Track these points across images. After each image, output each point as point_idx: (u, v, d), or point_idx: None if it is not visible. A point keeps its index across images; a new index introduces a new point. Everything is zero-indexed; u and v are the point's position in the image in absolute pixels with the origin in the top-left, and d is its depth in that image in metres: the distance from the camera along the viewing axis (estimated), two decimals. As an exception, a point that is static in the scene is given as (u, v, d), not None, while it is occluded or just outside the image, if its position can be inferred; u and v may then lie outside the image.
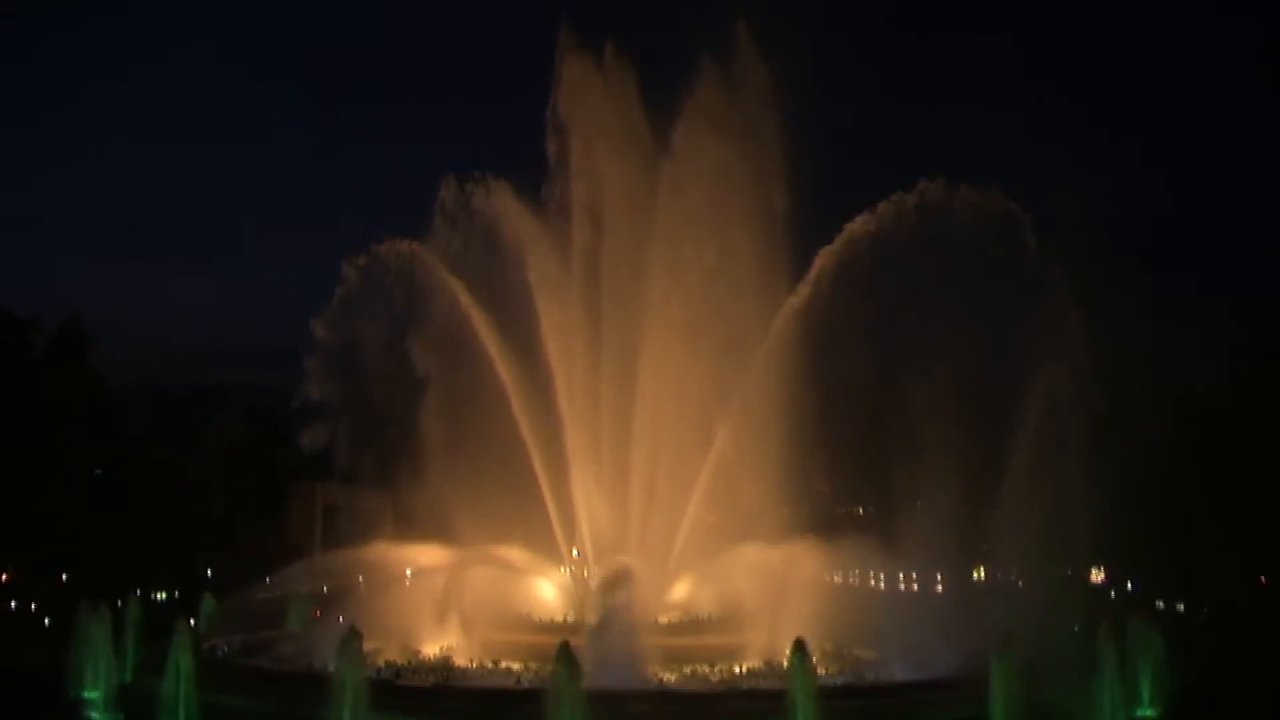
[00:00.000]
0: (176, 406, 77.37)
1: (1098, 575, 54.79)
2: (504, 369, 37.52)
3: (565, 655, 23.23)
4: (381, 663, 30.19)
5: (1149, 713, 28.65)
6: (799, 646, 24.47)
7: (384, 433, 40.07)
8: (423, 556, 36.61)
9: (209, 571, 50.89)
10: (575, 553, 38.23)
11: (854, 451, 37.02)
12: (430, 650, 32.83)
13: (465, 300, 37.87)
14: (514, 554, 36.57)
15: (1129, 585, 51.81)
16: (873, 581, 42.00)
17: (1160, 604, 48.01)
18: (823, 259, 35.74)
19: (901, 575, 41.97)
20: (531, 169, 39.63)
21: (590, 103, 38.80)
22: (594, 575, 36.31)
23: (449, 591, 33.93)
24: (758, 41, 37.51)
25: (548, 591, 37.23)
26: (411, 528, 38.72)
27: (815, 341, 35.60)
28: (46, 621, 45.57)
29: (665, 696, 27.75)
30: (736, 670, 31.27)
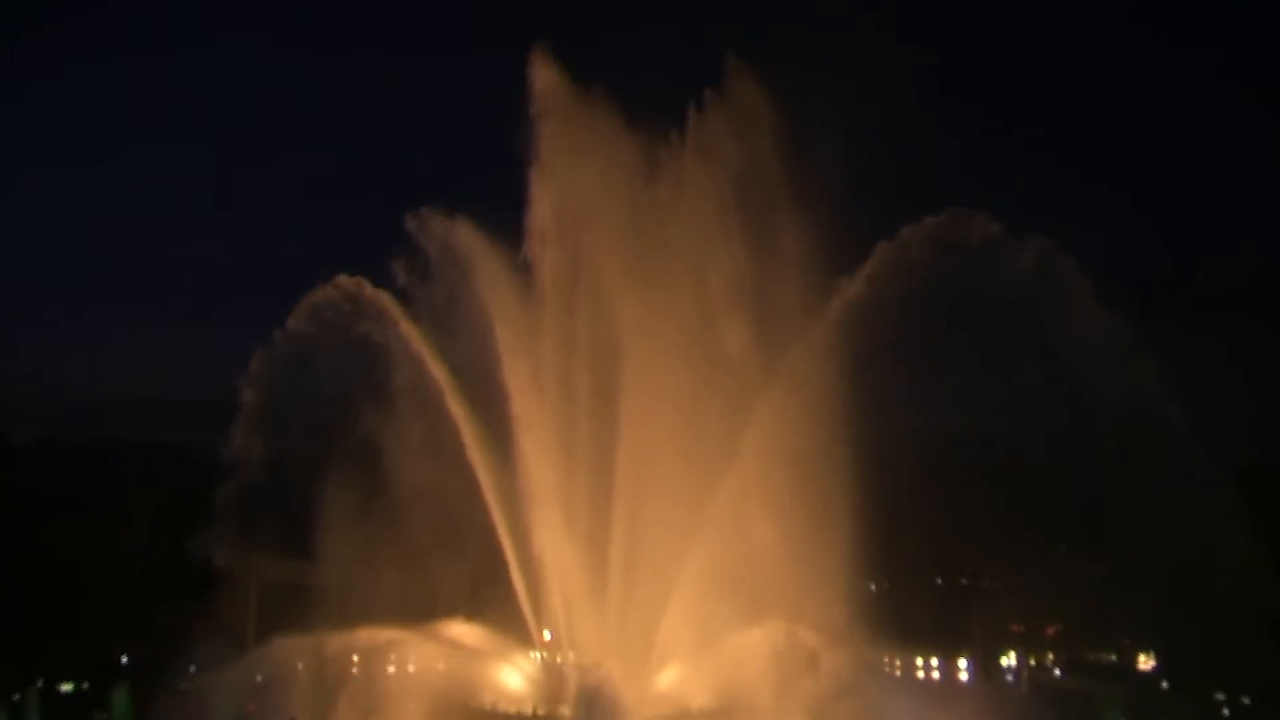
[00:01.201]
0: (91, 468, 77.12)
1: (1147, 662, 54.74)
2: (465, 427, 37.96)
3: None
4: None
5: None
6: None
7: (328, 500, 40.11)
8: (374, 639, 36.66)
9: (125, 658, 50.48)
10: (547, 635, 38.31)
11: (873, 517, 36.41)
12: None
13: (422, 348, 38.43)
14: (471, 634, 36.80)
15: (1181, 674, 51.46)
16: (887, 668, 41.84)
17: (1221, 696, 47.68)
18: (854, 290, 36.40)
19: (920, 662, 41.87)
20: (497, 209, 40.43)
21: (567, 136, 39.53)
22: (568, 661, 36.42)
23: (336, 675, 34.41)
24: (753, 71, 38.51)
25: (514, 679, 37.26)
26: (360, 606, 38.39)
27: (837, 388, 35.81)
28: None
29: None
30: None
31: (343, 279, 38.72)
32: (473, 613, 38.83)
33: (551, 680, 36.79)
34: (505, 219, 39.73)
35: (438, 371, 38.27)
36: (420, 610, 37.84)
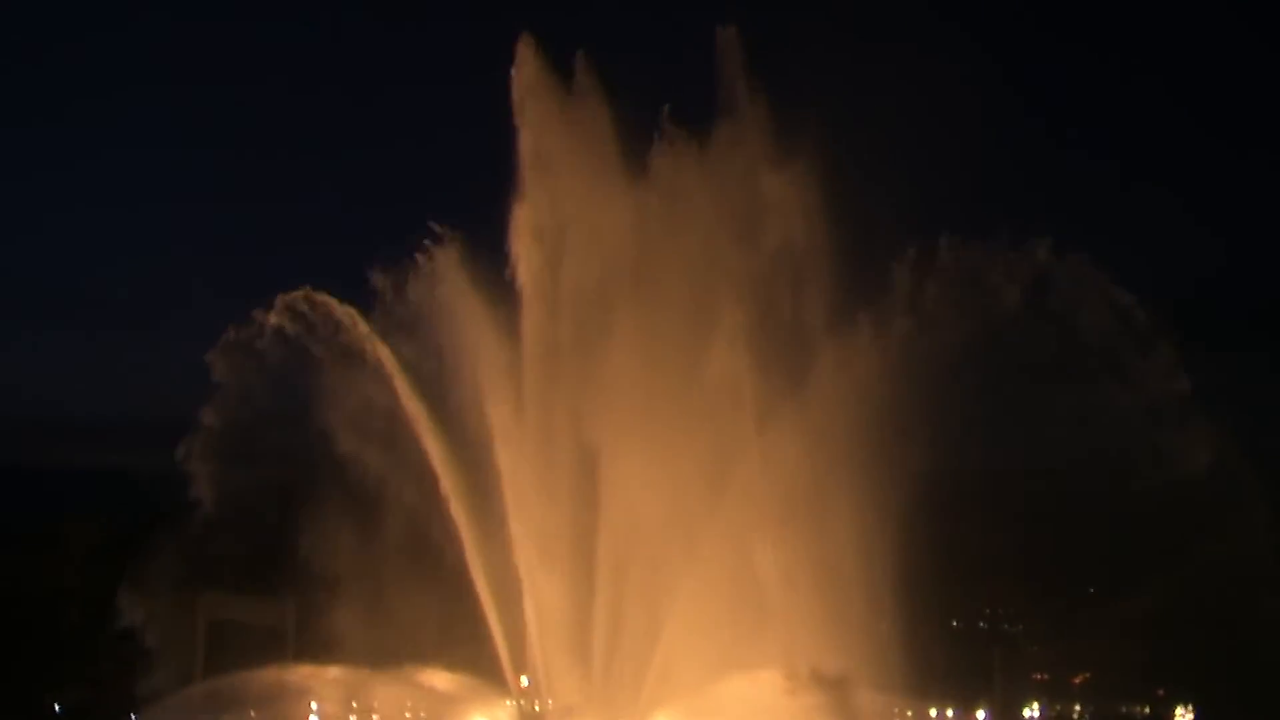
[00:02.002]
0: (29, 497, 76.96)
1: (1184, 716, 54.57)
2: (439, 463, 37.93)
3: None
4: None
5: None
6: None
7: (286, 532, 40.34)
8: (335, 679, 36.95)
9: (56, 706, 50.29)
10: (524, 680, 38.30)
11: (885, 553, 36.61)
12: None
13: (389, 365, 38.37)
14: (440, 679, 36.78)
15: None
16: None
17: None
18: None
19: (934, 713, 41.93)
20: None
21: (553, 140, 39.54)
22: (546, 709, 36.56)
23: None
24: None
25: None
26: (321, 647, 38.91)
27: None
28: None
29: None
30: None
31: (312, 293, 38.55)
32: (443, 655, 38.73)
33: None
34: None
35: (411, 405, 38.18)
36: (386, 650, 37.71)
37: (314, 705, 37.79)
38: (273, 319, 37.48)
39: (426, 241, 39.06)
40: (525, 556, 37.35)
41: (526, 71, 39.34)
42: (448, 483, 37.57)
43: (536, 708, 37.90)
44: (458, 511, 37.52)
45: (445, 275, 39.03)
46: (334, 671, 37.05)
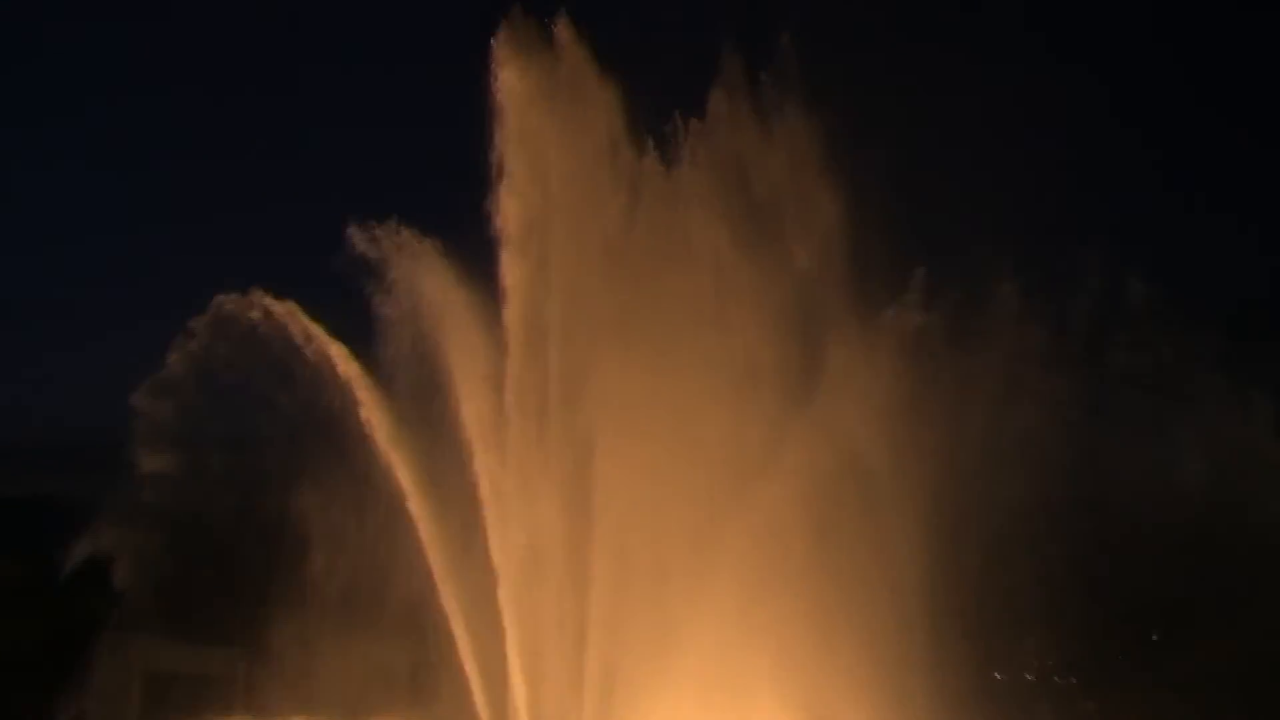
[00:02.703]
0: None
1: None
2: (404, 477, 36.79)
3: None
4: None
5: None
6: None
7: (233, 567, 40.61)
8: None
9: None
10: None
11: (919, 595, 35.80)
12: None
13: (356, 383, 37.26)
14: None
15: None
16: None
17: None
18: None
19: None
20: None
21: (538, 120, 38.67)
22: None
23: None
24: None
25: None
26: (274, 699, 38.35)
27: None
28: None
29: None
30: None
31: (261, 297, 37.36)
32: (416, 707, 37.97)
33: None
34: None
35: (384, 439, 37.13)
36: (351, 703, 37.09)
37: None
38: (205, 326, 36.40)
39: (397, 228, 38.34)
40: (508, 582, 36.50)
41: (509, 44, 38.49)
42: (425, 530, 36.57)
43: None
44: (428, 536, 36.63)
45: (414, 259, 38.32)
46: (291, 724, 35.97)
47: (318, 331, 37.36)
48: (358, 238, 38.01)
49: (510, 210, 37.99)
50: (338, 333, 37.78)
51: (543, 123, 38.50)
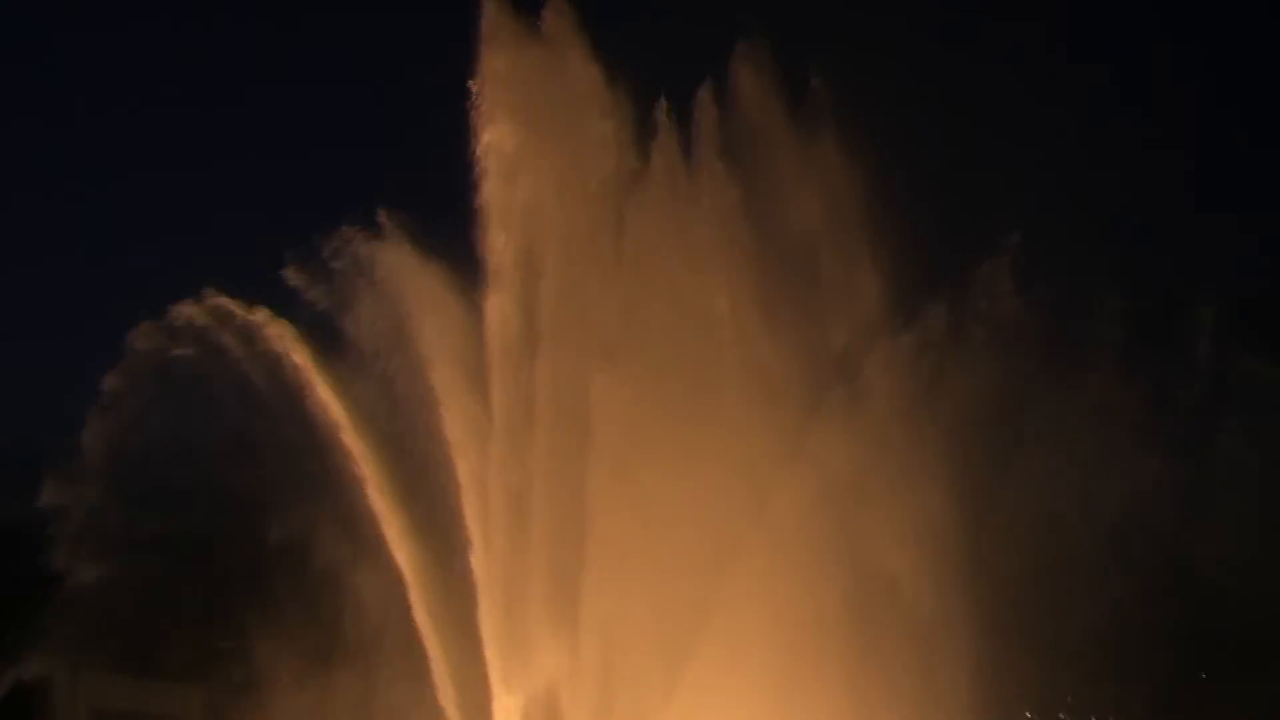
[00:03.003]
0: None
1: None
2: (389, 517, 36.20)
3: None
4: None
5: None
6: None
7: (188, 600, 40.24)
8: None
9: None
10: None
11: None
12: None
13: (334, 409, 36.37)
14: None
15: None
16: None
17: None
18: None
19: None
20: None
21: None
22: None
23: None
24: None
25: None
26: None
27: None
28: None
29: None
30: None
31: (216, 298, 36.30)
32: None
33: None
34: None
35: (354, 444, 36.49)
36: None
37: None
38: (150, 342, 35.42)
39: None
40: (490, 605, 35.83)
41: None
42: (401, 553, 36.10)
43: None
44: (404, 562, 36.18)
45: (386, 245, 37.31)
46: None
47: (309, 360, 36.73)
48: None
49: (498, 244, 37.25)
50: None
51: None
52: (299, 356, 36.41)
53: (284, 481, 36.19)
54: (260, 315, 36.50)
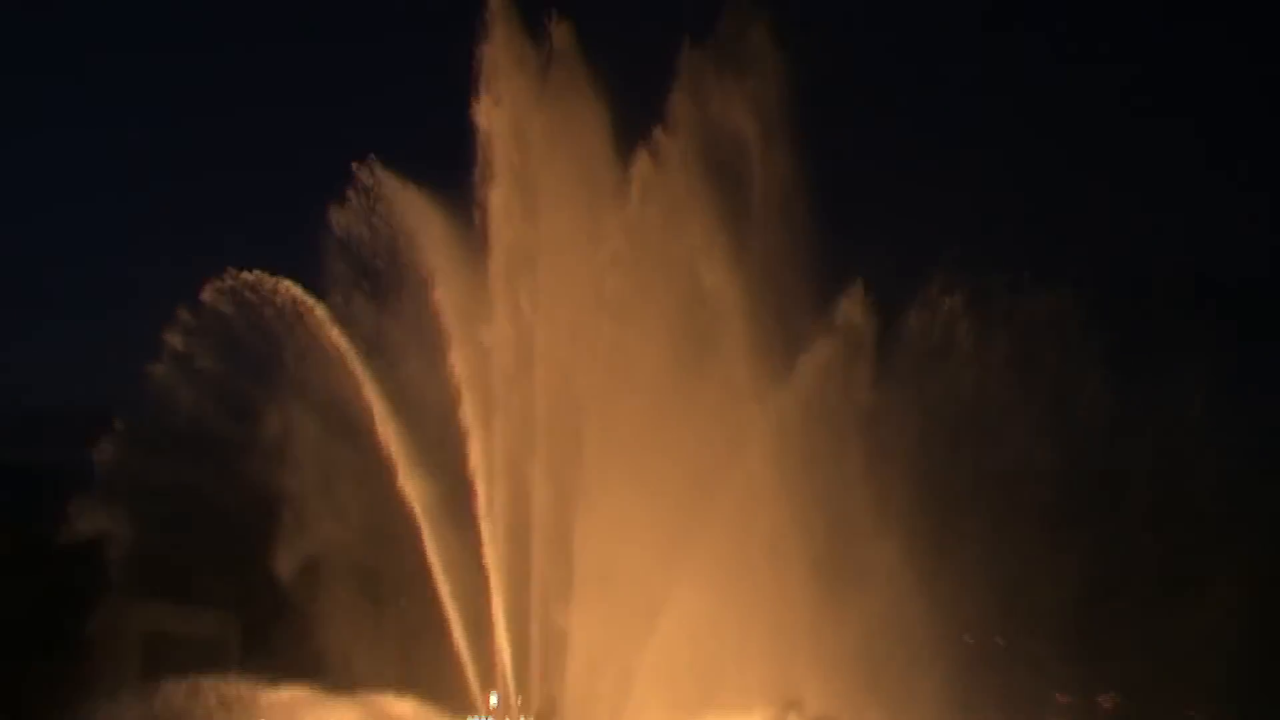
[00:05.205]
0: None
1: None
2: (396, 449, 38.57)
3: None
4: None
5: None
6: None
7: (226, 532, 41.26)
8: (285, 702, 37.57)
9: None
10: (493, 699, 38.88)
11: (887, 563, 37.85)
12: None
13: (347, 354, 38.88)
14: (397, 703, 37.57)
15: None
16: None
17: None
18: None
19: None
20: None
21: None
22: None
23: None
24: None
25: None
26: (266, 659, 39.63)
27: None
28: None
29: None
30: None
31: (245, 274, 39.03)
32: (403, 677, 39.04)
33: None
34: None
35: (379, 407, 38.85)
36: (339, 669, 38.49)
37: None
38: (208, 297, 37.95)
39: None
40: (494, 552, 38.32)
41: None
42: (406, 479, 38.30)
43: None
44: (418, 507, 38.36)
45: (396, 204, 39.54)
46: (284, 692, 37.52)
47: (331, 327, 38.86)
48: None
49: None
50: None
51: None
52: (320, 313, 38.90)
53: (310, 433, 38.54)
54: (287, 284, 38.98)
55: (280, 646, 39.74)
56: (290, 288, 39.08)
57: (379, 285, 39.53)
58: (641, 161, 39.10)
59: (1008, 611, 39.39)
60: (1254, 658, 47.79)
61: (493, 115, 39.64)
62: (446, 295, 39.22)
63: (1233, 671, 47.46)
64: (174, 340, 37.55)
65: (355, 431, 38.56)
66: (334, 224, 38.96)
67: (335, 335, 38.84)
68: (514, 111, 39.78)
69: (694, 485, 37.17)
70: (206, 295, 38.31)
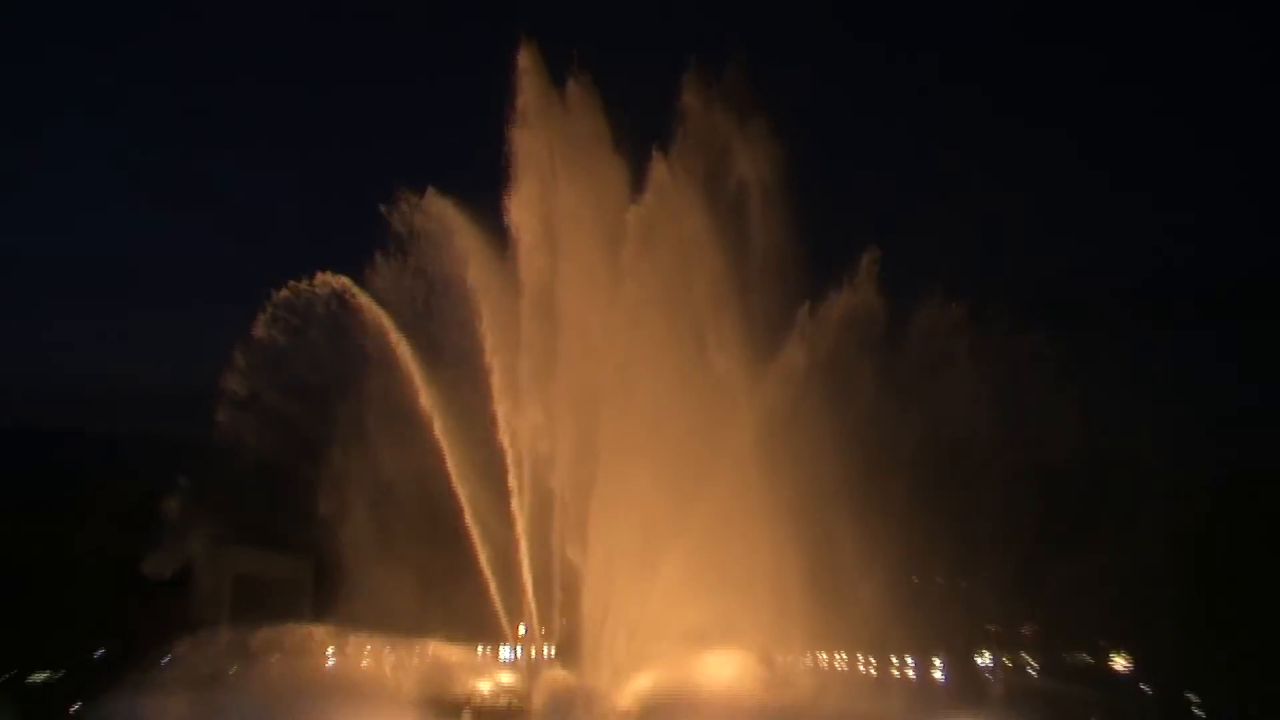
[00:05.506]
0: (59, 460, 77.59)
1: (1121, 662, 56.08)
2: (440, 430, 38.95)
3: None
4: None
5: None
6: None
7: (304, 492, 40.41)
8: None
9: (95, 655, 50.76)
10: (522, 630, 39.65)
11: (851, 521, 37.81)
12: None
13: (402, 352, 39.25)
14: (444, 649, 38.25)
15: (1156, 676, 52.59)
16: (863, 667, 43.78)
17: (1194, 697, 48.77)
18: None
19: (895, 661, 44.40)
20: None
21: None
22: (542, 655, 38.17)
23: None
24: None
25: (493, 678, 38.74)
26: (334, 599, 39.95)
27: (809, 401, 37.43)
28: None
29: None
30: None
31: (323, 276, 39.27)
32: (446, 625, 39.66)
33: (525, 673, 38.55)
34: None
35: (421, 385, 39.17)
36: (395, 610, 38.51)
37: (330, 652, 39.29)
38: (286, 302, 38.27)
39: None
40: (523, 517, 38.68)
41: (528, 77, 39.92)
42: (452, 463, 38.82)
43: (532, 654, 39.35)
44: (458, 480, 38.90)
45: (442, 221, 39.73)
46: (353, 635, 38.55)
47: (380, 313, 39.19)
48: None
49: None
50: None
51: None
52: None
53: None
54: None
55: (345, 587, 39.53)
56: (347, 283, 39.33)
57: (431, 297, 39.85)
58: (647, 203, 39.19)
59: (946, 557, 39.95)
60: (1148, 592, 48.21)
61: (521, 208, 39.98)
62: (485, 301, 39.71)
63: (1133, 604, 49.02)
64: (262, 324, 37.96)
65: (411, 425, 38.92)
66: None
67: (398, 345, 39.17)
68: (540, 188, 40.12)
69: (693, 458, 37.34)
70: (284, 292, 38.57)
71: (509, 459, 38.98)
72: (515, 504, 38.78)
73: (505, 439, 39.09)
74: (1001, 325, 36.73)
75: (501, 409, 39.27)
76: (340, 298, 39.07)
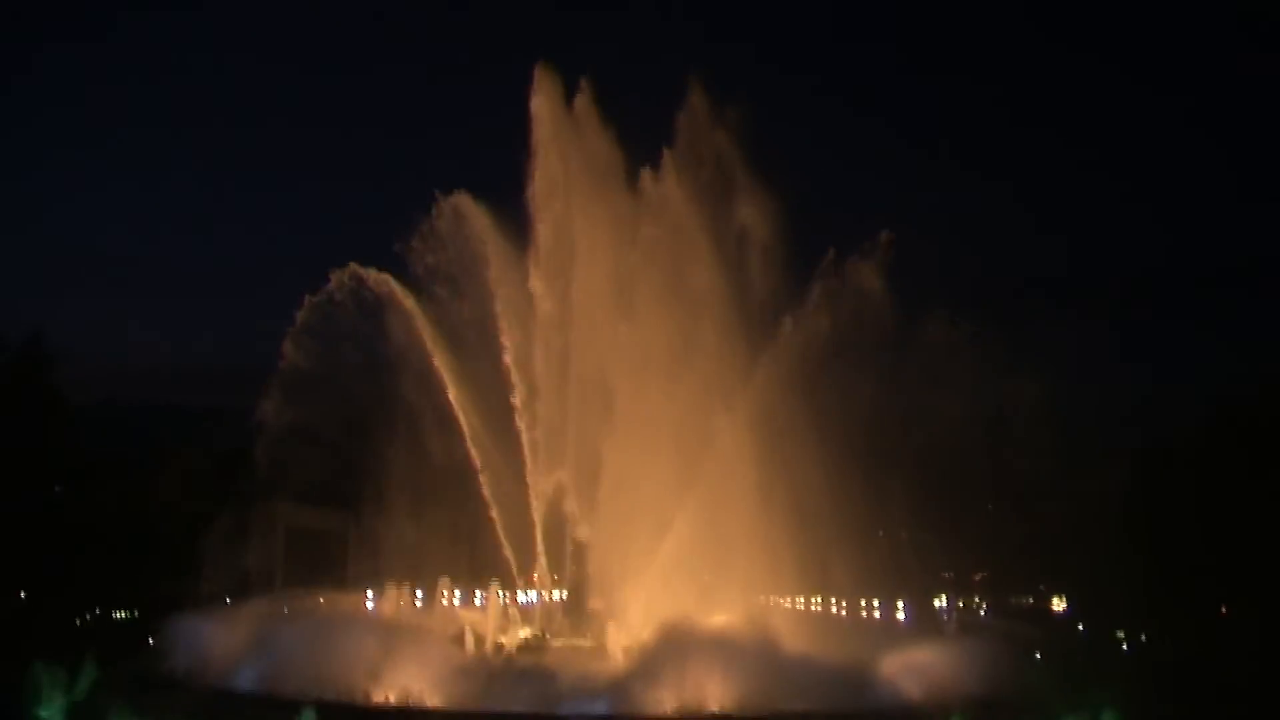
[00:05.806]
0: (137, 429, 76.89)
1: (1059, 603, 56.45)
2: (459, 406, 38.00)
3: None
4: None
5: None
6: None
7: (349, 455, 40.71)
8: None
9: (169, 596, 48.98)
10: (536, 576, 38.41)
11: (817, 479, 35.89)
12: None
13: (429, 343, 38.16)
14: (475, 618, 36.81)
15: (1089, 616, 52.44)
16: (834, 610, 43.18)
17: (1121, 634, 48.66)
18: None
19: (863, 603, 43.50)
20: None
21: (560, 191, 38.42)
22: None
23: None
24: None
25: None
26: (373, 550, 39.70)
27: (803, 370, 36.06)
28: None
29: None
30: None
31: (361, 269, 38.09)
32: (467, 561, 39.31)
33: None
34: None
35: (440, 361, 38.15)
36: (426, 558, 38.33)
37: (369, 594, 38.93)
38: (334, 284, 37.29)
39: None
40: (536, 494, 37.72)
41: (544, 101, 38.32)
42: (465, 423, 37.86)
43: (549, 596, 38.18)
44: (475, 448, 37.78)
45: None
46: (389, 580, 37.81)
47: (408, 300, 38.21)
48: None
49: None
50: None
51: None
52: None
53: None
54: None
55: (384, 539, 39.20)
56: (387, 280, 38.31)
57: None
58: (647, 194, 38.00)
59: (909, 516, 39.40)
60: (1081, 545, 49.65)
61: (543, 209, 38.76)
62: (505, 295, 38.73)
63: (1070, 556, 50.40)
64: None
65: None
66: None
67: (423, 324, 38.20)
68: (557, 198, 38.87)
69: (694, 438, 36.24)
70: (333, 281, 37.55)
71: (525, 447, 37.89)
72: (531, 492, 37.78)
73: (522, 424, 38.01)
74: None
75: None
76: (375, 289, 38.02)
